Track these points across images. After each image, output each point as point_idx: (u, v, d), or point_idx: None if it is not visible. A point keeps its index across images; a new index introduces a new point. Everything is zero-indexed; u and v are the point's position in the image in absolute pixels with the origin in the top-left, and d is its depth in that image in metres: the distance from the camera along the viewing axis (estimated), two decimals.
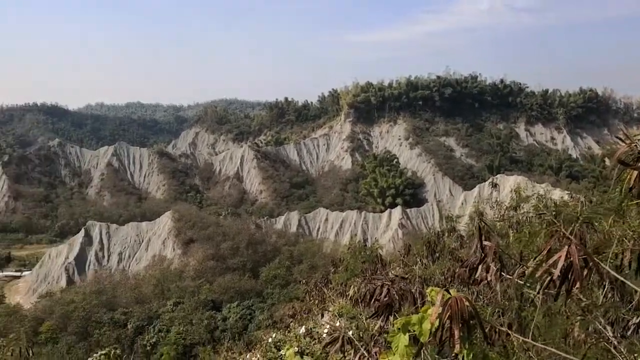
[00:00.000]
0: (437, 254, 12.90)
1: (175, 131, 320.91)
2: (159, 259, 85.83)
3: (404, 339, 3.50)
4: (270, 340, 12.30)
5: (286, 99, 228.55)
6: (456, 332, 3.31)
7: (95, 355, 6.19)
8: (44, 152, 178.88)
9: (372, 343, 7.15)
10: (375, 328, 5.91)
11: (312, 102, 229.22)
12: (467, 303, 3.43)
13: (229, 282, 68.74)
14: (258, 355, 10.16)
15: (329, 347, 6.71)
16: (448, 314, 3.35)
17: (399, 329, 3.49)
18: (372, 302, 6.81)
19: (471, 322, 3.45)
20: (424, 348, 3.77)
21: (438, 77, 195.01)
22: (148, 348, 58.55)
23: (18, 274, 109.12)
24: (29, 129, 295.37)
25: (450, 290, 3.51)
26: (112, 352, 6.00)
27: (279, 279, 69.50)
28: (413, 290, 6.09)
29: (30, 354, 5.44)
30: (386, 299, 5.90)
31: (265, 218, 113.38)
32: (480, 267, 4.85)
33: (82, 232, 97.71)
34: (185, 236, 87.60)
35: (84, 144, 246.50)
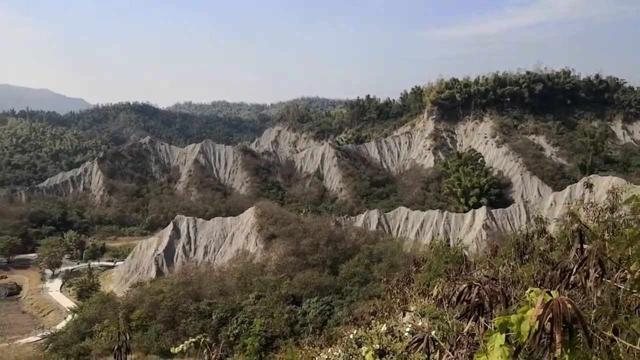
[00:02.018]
0: (527, 256, 12.39)
1: (258, 129, 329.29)
2: (242, 253, 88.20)
3: (500, 339, 3.37)
4: (351, 336, 12.29)
5: (368, 96, 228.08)
6: (558, 336, 3.15)
7: (186, 342, 6.42)
8: (135, 149, 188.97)
9: (457, 344, 6.97)
10: (466, 330, 5.74)
11: (394, 100, 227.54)
12: (569, 306, 3.25)
13: (308, 278, 69.58)
14: (339, 351, 10.18)
15: (412, 346, 6.61)
16: (549, 316, 3.19)
17: (496, 328, 3.37)
18: (459, 303, 6.64)
19: (573, 326, 3.27)
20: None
21: (528, 72, 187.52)
22: (231, 339, 60.35)
23: (112, 263, 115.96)
24: (122, 127, 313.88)
25: (552, 292, 3.34)
26: (202, 341, 6.20)
27: (358, 276, 69.52)
28: (503, 292, 5.89)
29: (128, 338, 5.73)
30: (477, 299, 5.74)
31: (345, 216, 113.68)
32: (578, 270, 4.60)
33: (170, 226, 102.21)
34: (267, 232, 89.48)
35: (173, 141, 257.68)
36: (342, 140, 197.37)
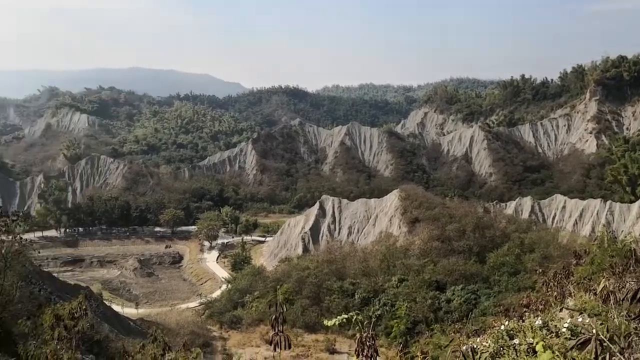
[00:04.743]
0: None
1: (404, 111, 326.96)
2: (386, 235, 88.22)
3: None
4: (502, 327, 11.67)
5: (522, 76, 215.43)
6: None
7: (339, 317, 6.45)
8: (286, 130, 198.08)
9: (628, 346, 6.18)
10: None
11: (552, 80, 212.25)
12: None
13: (453, 265, 67.67)
14: (489, 341, 9.67)
15: (579, 348, 5.95)
16: None
17: None
18: (636, 302, 5.90)
19: None
20: None
21: None
22: (373, 320, 60.83)
23: (262, 239, 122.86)
24: (274, 110, 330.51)
25: None
26: (355, 318, 6.16)
27: (508, 266, 66.12)
28: None
29: (285, 310, 5.87)
30: None
31: (495, 202, 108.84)
32: None
33: (317, 205, 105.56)
34: (411, 215, 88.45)
35: (320, 123, 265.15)
36: (492, 123, 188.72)
